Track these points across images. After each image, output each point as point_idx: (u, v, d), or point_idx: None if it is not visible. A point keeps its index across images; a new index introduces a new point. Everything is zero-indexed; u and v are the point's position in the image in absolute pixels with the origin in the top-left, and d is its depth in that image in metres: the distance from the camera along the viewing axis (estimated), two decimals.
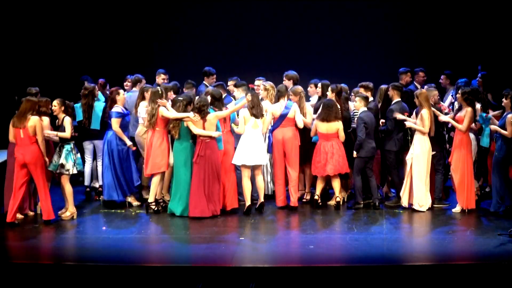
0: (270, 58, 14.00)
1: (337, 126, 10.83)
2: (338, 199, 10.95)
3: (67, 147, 10.46)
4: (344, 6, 14.26)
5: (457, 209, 10.71)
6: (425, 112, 10.62)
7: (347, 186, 11.48)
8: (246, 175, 10.77)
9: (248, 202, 10.77)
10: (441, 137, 11.01)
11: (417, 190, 10.74)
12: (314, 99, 11.69)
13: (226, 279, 8.41)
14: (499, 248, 9.15)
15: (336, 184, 10.99)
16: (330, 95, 11.08)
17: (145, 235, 9.92)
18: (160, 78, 12.17)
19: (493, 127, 10.54)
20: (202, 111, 10.56)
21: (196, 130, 10.52)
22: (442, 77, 12.58)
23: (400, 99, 11.03)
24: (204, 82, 12.37)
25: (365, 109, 10.90)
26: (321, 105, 10.88)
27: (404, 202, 10.84)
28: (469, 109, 10.59)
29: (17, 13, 13.77)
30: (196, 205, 10.47)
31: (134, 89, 11.92)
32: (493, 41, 13.77)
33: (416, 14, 14.19)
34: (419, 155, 10.71)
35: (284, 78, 11.74)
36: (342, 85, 11.41)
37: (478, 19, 13.85)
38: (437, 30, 14.09)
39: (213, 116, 10.56)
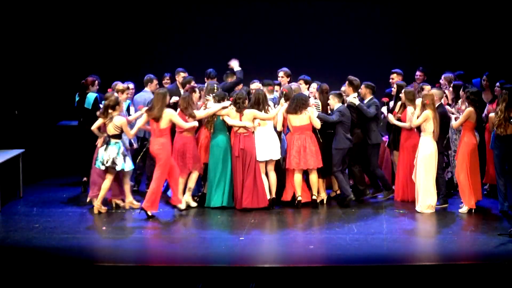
0: (269, 58, 14.00)
1: (307, 115, 10.84)
2: (314, 197, 11.02)
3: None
4: (343, 6, 14.27)
5: (463, 209, 10.72)
6: (426, 112, 10.64)
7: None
8: (261, 171, 10.87)
9: (268, 196, 10.90)
10: (442, 138, 11.03)
11: (422, 192, 10.74)
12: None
13: (226, 279, 8.40)
14: (499, 248, 9.15)
15: (314, 179, 10.99)
16: (317, 95, 11.29)
17: (145, 235, 9.92)
18: (181, 77, 11.98)
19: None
20: (237, 104, 10.73)
21: (231, 121, 10.75)
22: (442, 77, 12.56)
23: (372, 97, 11.26)
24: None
25: (340, 104, 10.98)
26: (292, 98, 10.90)
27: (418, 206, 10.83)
28: (470, 109, 10.60)
29: (17, 13, 13.77)
30: (240, 197, 10.75)
31: (145, 89, 11.91)
32: (494, 41, 13.78)
33: (416, 14, 14.20)
34: (425, 157, 10.71)
35: (282, 75, 11.80)
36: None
37: (478, 18, 13.85)
38: (436, 30, 14.09)
39: (251, 112, 10.75)
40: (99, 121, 10.70)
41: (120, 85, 11.34)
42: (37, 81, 14.00)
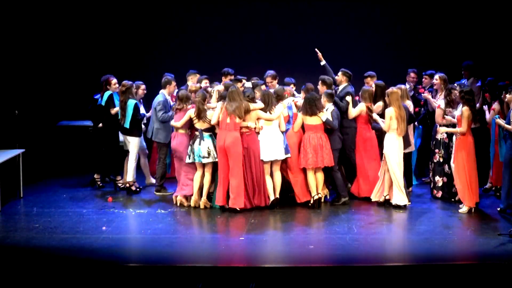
0: (269, 58, 14.01)
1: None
2: (320, 195, 11.01)
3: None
4: (343, 5, 14.28)
5: (463, 209, 10.73)
6: (389, 111, 10.81)
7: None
8: (266, 171, 10.87)
9: (272, 197, 10.88)
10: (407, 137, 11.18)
11: (390, 187, 10.99)
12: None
13: (226, 279, 8.41)
14: (499, 248, 9.15)
15: (321, 178, 11.02)
16: (302, 95, 11.27)
17: (145, 235, 9.92)
18: (195, 79, 11.98)
19: (498, 121, 10.64)
20: (251, 102, 10.79)
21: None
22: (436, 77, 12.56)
23: (347, 84, 11.49)
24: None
25: (331, 105, 11.07)
26: (304, 99, 10.99)
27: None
28: (466, 108, 10.62)
29: (17, 13, 13.77)
30: (237, 196, 10.68)
31: (162, 90, 11.78)
32: (488, 41, 13.79)
33: (413, 15, 14.20)
34: (386, 154, 10.88)
35: (271, 80, 11.91)
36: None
37: (474, 19, 13.87)
38: (433, 30, 14.10)
39: (254, 112, 10.76)
40: (186, 117, 10.89)
41: (193, 86, 11.47)
42: (37, 81, 13.99)
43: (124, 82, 11.64)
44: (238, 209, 10.69)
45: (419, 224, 10.37)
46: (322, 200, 11.14)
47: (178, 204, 11.11)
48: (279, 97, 11.04)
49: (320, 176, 11.03)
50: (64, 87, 14.10)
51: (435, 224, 10.34)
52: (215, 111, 10.86)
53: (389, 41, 14.19)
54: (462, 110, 10.64)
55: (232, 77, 11.98)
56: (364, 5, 14.27)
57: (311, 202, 11.01)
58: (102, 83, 11.90)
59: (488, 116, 11.33)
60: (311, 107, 10.85)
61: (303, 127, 11.04)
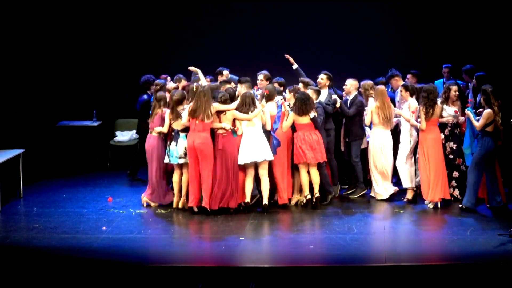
0: (267, 57, 14.00)
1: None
2: (317, 194, 10.96)
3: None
4: (341, 5, 14.29)
5: (429, 204, 10.95)
6: (370, 105, 11.19)
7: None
8: (249, 174, 10.78)
9: (247, 199, 10.78)
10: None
11: (373, 181, 11.33)
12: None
13: (226, 279, 8.41)
14: (499, 248, 9.16)
15: (316, 177, 10.97)
16: (289, 96, 11.22)
17: (145, 235, 9.92)
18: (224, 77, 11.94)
19: (468, 113, 10.69)
20: (224, 104, 10.71)
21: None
22: (408, 76, 12.56)
23: (328, 88, 11.61)
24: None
25: (317, 102, 11.15)
26: (296, 99, 10.96)
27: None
28: (420, 106, 10.89)
29: (17, 13, 13.77)
30: (211, 197, 10.58)
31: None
32: (481, 41, 13.83)
33: (408, 14, 14.21)
34: (374, 147, 11.22)
35: (262, 78, 11.81)
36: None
37: (469, 20, 13.89)
38: (427, 30, 14.12)
39: (231, 113, 10.65)
40: (167, 121, 10.82)
41: (171, 86, 11.43)
42: (37, 81, 13.99)
43: (157, 81, 11.68)
44: (209, 210, 10.61)
45: (418, 224, 10.38)
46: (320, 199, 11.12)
47: (145, 205, 11.09)
48: (270, 97, 10.96)
49: (316, 174, 10.96)
50: (64, 87, 14.10)
51: (435, 224, 10.35)
52: (184, 112, 10.69)
53: (384, 41, 14.17)
54: (419, 108, 10.89)
55: (228, 75, 11.95)
56: (361, 5, 14.25)
57: (304, 201, 11.00)
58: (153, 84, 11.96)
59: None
60: (304, 105, 10.83)
61: (292, 126, 11.03)
